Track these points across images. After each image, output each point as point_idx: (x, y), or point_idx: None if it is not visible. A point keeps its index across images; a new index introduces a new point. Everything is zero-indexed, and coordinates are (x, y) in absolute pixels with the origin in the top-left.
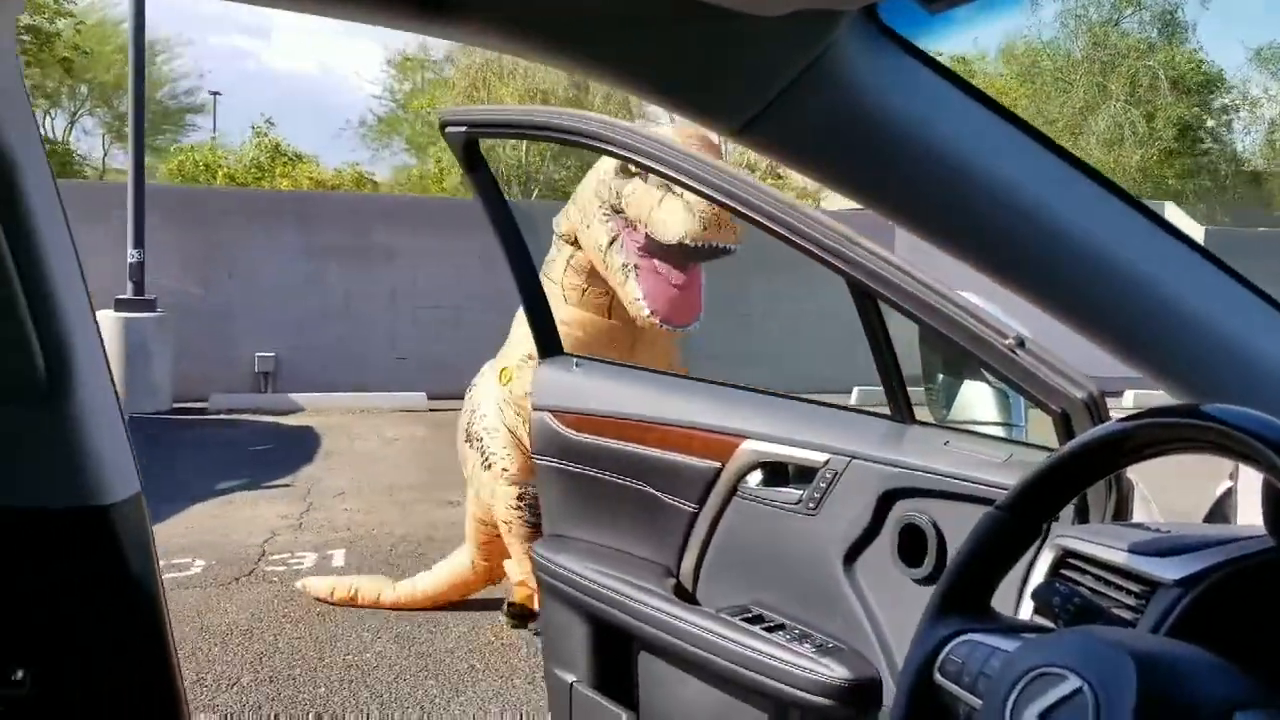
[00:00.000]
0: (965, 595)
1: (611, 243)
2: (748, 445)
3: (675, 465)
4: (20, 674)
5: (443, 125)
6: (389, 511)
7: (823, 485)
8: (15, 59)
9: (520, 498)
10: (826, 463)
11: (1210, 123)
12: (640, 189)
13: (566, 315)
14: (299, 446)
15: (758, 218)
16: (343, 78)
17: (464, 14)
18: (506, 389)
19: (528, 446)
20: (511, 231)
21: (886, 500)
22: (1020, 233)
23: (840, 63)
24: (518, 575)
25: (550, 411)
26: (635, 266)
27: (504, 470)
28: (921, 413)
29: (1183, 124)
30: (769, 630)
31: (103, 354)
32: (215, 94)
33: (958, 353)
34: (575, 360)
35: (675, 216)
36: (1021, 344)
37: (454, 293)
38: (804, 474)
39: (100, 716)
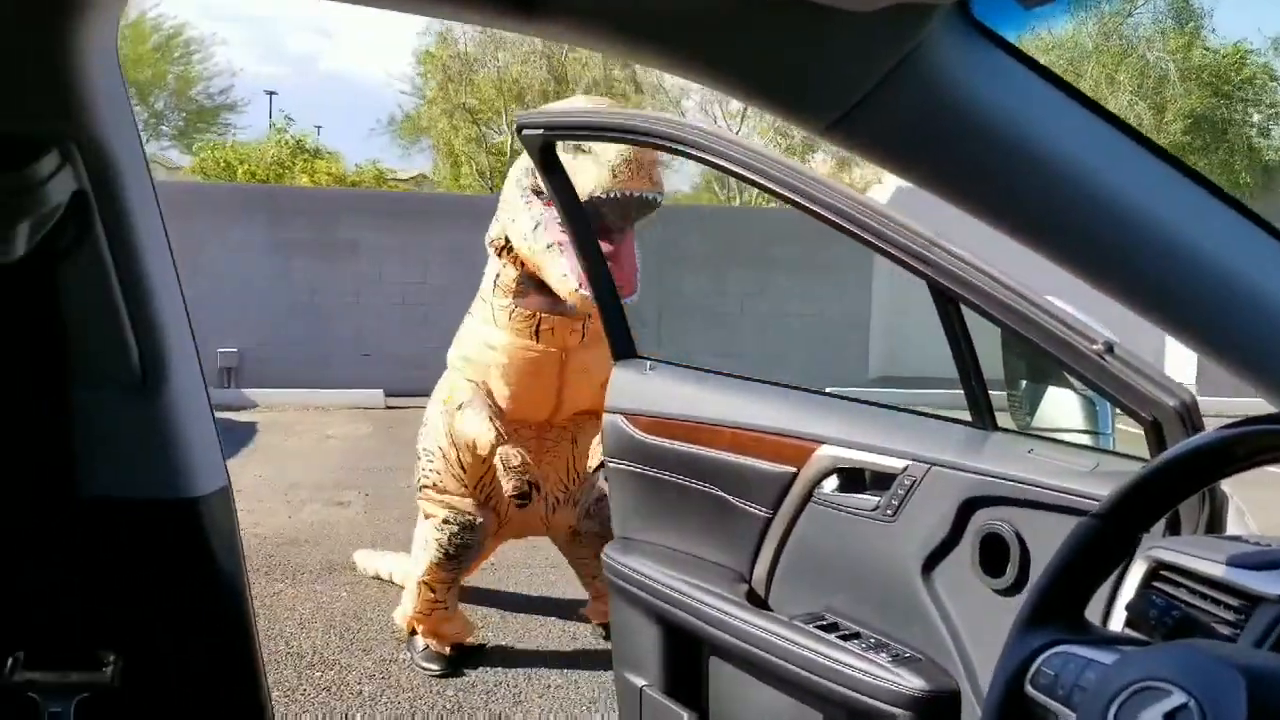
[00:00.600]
0: (1058, 605)
1: (536, 227)
2: (824, 450)
3: (749, 470)
4: (110, 661)
5: (519, 128)
6: (273, 512)
7: (901, 492)
8: (116, 59)
9: (446, 521)
10: (905, 469)
11: (1227, 115)
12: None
13: (494, 339)
14: (227, 444)
15: (841, 222)
16: (394, 77)
17: (552, 12)
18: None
19: (465, 471)
20: (586, 235)
21: (967, 508)
22: (1115, 234)
23: (933, 59)
24: (409, 606)
25: (623, 414)
26: (559, 244)
27: (436, 487)
28: (1003, 419)
29: (1195, 116)
30: (844, 638)
31: (194, 348)
32: (271, 93)
33: (1042, 358)
34: (649, 363)
35: (584, 172)
36: (1110, 349)
37: (421, 289)
38: (881, 480)
39: (184, 706)
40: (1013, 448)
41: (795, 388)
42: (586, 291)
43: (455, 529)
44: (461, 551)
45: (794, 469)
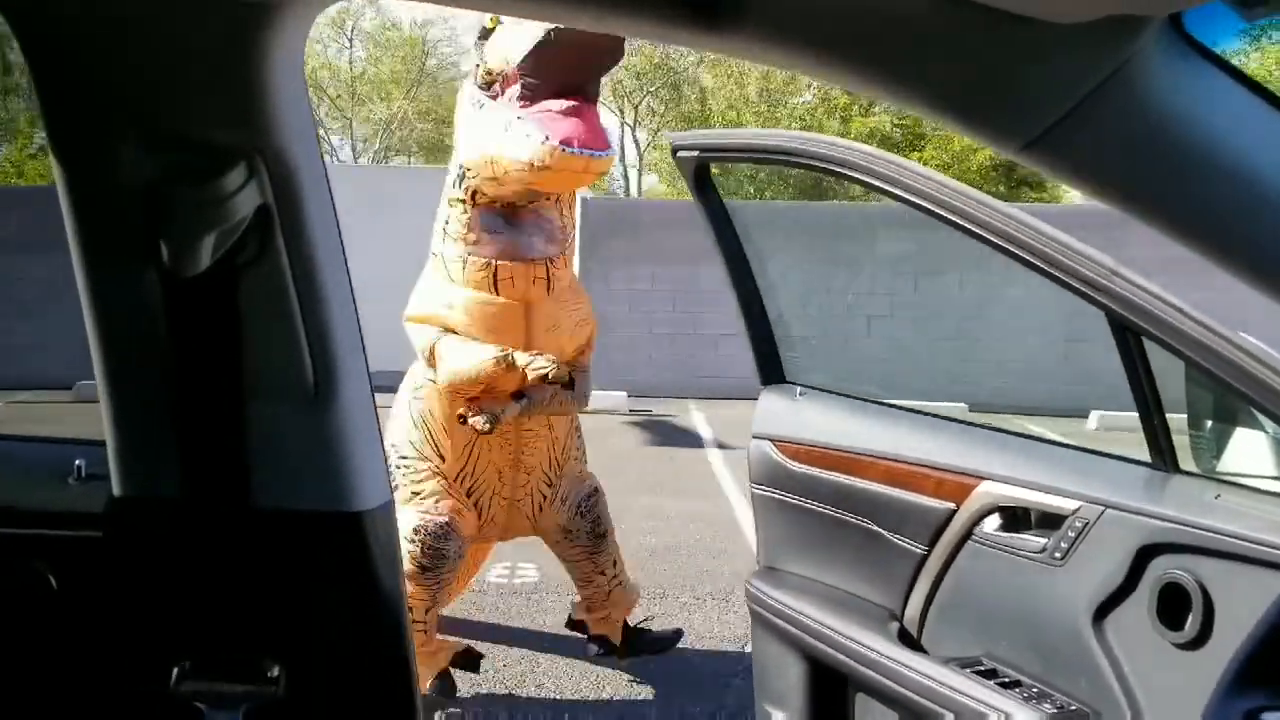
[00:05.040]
0: (1273, 665)
1: (507, 128)
2: (985, 487)
3: (904, 504)
4: (277, 671)
5: (675, 149)
6: None
7: (1071, 534)
8: (302, 71)
9: (416, 530)
10: (1076, 510)
11: None
12: (497, 37)
13: (450, 296)
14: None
15: (1016, 250)
16: None
17: (738, 28)
18: (429, 373)
19: (442, 460)
20: (740, 260)
21: (1145, 555)
22: None
23: (1142, 76)
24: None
25: (772, 441)
26: (518, 117)
27: (410, 491)
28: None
29: None
30: (1004, 686)
31: (365, 361)
32: None
33: (1232, 396)
34: (799, 389)
35: (530, 30)
36: None
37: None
38: (1049, 521)
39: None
40: (1197, 492)
41: (955, 420)
42: (558, 144)
43: (427, 536)
44: (437, 562)
45: (953, 505)
